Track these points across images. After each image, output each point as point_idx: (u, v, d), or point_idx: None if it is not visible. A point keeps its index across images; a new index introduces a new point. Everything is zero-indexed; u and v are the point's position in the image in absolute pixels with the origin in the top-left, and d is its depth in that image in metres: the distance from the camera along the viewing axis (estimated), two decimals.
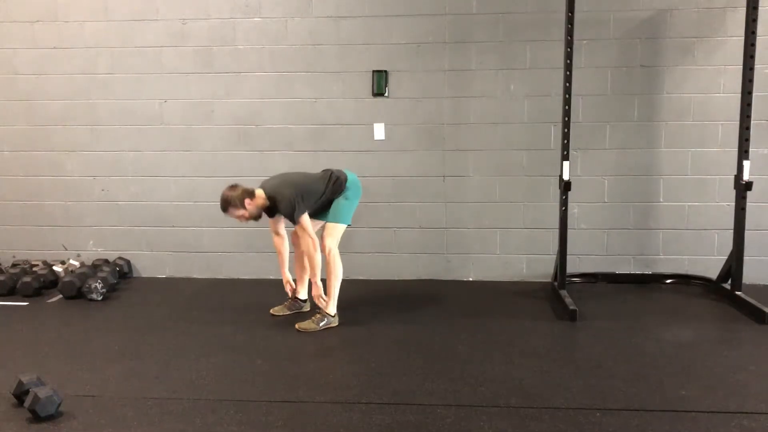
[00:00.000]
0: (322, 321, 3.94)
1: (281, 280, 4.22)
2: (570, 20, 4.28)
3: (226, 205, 3.77)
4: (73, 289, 4.59)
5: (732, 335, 3.84)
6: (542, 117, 4.84)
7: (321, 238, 3.97)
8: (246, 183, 5.02)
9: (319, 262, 3.90)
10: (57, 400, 2.81)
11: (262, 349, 3.64)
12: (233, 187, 3.81)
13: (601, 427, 2.70)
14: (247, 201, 3.77)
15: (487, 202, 4.97)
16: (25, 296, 4.66)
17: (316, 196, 3.92)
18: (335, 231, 3.94)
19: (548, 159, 4.83)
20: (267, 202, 3.86)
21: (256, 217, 3.89)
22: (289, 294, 4.22)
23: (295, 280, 4.27)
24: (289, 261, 4.18)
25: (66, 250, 5.28)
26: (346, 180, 3.99)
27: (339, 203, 3.97)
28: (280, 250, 4.12)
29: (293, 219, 3.81)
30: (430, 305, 4.45)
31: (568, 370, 3.30)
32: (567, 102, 4.36)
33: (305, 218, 3.82)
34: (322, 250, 3.95)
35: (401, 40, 4.85)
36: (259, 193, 3.86)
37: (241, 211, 3.78)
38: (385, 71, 4.87)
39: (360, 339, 3.79)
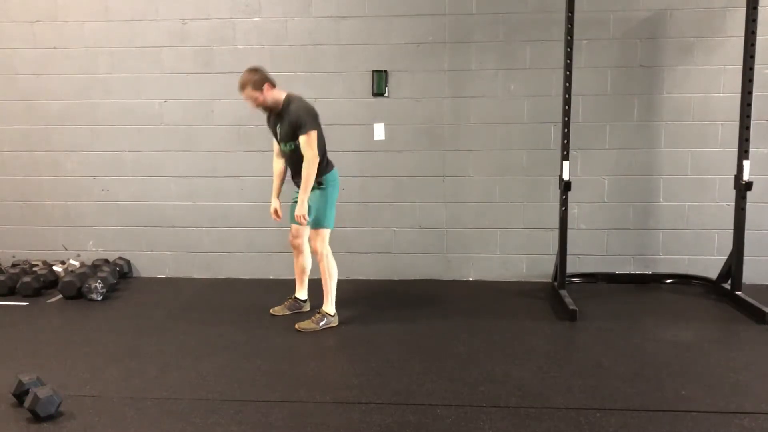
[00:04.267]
0: (322, 321, 3.94)
1: (281, 280, 4.22)
2: (570, 20, 4.28)
3: (246, 83, 3.71)
4: (73, 289, 4.59)
5: (732, 335, 3.84)
6: (542, 117, 4.84)
7: (309, 241, 3.98)
8: (247, 183, 5.06)
9: (313, 178, 3.76)
10: (57, 400, 2.81)
11: (262, 349, 3.64)
12: (255, 69, 3.75)
13: (601, 427, 2.70)
14: (266, 86, 3.72)
15: (487, 202, 4.97)
16: (25, 296, 4.66)
17: (321, 138, 3.85)
18: (322, 234, 3.90)
19: (548, 159, 4.83)
20: (281, 103, 3.78)
21: (266, 107, 3.81)
22: (274, 217, 4.06)
23: (294, 280, 4.27)
24: (290, 263, 4.17)
25: (66, 250, 5.28)
26: (332, 168, 3.96)
27: (319, 208, 3.86)
28: (277, 173, 4.04)
29: (301, 128, 3.70)
30: (430, 305, 4.45)
31: (568, 370, 3.30)
32: (567, 102, 4.36)
33: (314, 132, 3.74)
34: (313, 252, 3.95)
35: (401, 40, 4.85)
36: (281, 90, 3.80)
37: (257, 94, 3.71)
38: (385, 71, 4.87)
39: (360, 339, 3.79)
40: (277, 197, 4.07)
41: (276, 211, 4.05)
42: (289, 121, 3.77)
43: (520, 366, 3.35)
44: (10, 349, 3.68)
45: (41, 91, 5.10)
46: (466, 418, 2.79)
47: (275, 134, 3.94)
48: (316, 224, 3.90)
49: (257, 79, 3.71)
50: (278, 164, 4.06)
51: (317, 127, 3.79)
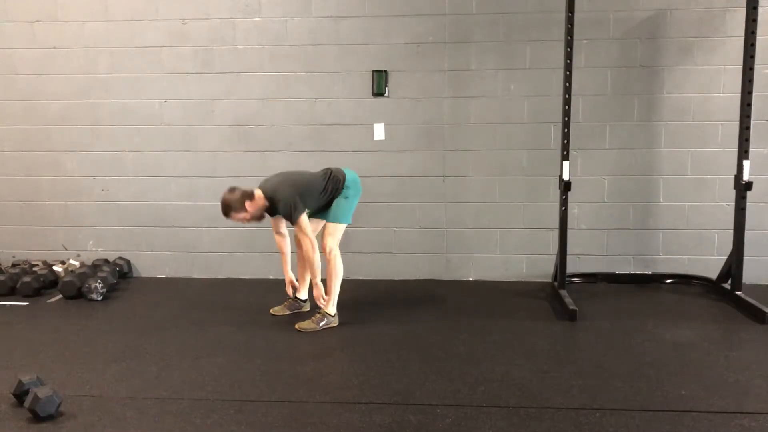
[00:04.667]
0: (322, 321, 3.94)
1: (281, 279, 4.22)
2: (570, 20, 4.28)
3: (228, 209, 3.76)
4: (73, 289, 4.59)
5: (732, 335, 3.84)
6: (542, 117, 4.84)
7: (322, 237, 3.97)
8: (246, 183, 5.05)
9: (319, 263, 3.90)
10: (57, 400, 2.81)
11: (262, 349, 3.64)
12: (232, 190, 3.78)
13: (601, 427, 2.70)
14: (247, 203, 3.75)
15: (487, 202, 4.97)
16: (25, 296, 4.66)
17: (316, 194, 3.91)
18: (336, 231, 3.94)
19: (548, 159, 4.83)
20: (266, 203, 3.85)
21: (259, 219, 3.88)
22: (290, 295, 4.21)
23: (297, 280, 4.27)
24: (293, 263, 4.17)
25: (66, 250, 5.28)
26: (345, 179, 3.99)
27: (339, 203, 3.96)
28: (282, 250, 4.10)
29: (291, 220, 3.82)
30: (430, 305, 4.45)
31: (568, 370, 3.30)
32: (567, 102, 4.36)
33: (303, 219, 3.81)
34: (323, 249, 3.94)
35: (401, 40, 4.85)
36: (258, 193, 3.84)
37: (243, 214, 3.77)
38: (385, 71, 4.87)
39: (360, 339, 3.79)
40: (289, 270, 4.13)
41: (292, 283, 4.14)
42: (283, 215, 3.89)
43: (520, 366, 3.35)
44: (10, 349, 3.68)
45: (41, 91, 5.10)
46: (466, 418, 2.79)
47: (282, 221, 4.04)
48: (334, 218, 3.94)
49: (236, 199, 3.73)
50: (279, 240, 4.11)
51: (301, 206, 3.79)
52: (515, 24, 4.77)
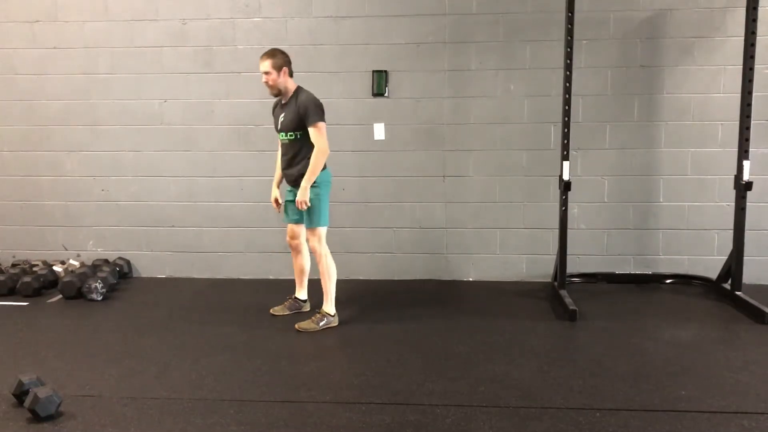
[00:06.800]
0: (322, 321, 3.94)
1: (281, 279, 4.22)
2: (570, 20, 4.29)
3: (269, 56, 3.80)
4: (73, 289, 4.59)
5: (732, 335, 3.84)
6: (542, 117, 4.84)
7: (308, 242, 3.98)
8: (246, 183, 5.06)
9: (320, 168, 3.83)
10: (57, 400, 2.81)
11: (262, 349, 3.64)
12: (283, 53, 3.86)
13: (601, 427, 2.70)
14: (284, 71, 3.81)
15: (487, 202, 4.97)
16: (25, 296, 4.66)
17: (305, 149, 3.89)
18: (316, 233, 3.90)
19: (548, 159, 4.83)
20: (291, 92, 3.87)
21: (276, 91, 3.87)
22: (275, 206, 4.14)
23: (294, 280, 4.27)
24: (289, 262, 4.17)
25: (66, 250, 5.28)
26: (325, 168, 3.92)
27: (313, 207, 3.85)
28: (279, 171, 4.10)
29: (309, 118, 3.76)
30: (430, 305, 4.45)
31: (568, 370, 3.30)
32: (567, 102, 4.36)
33: (323, 125, 3.81)
34: (312, 253, 3.97)
35: (401, 40, 4.85)
36: (294, 82, 3.91)
37: (272, 72, 3.79)
38: (385, 71, 4.88)
39: (360, 339, 3.79)
40: (278, 186, 4.12)
41: (276, 200, 4.12)
42: (297, 110, 3.82)
43: (520, 366, 3.35)
44: (10, 349, 3.68)
45: (41, 91, 5.10)
46: (466, 418, 2.79)
47: (276, 124, 3.98)
48: (311, 223, 3.90)
49: (279, 61, 3.81)
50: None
51: (325, 120, 3.84)
52: (515, 24, 4.77)
